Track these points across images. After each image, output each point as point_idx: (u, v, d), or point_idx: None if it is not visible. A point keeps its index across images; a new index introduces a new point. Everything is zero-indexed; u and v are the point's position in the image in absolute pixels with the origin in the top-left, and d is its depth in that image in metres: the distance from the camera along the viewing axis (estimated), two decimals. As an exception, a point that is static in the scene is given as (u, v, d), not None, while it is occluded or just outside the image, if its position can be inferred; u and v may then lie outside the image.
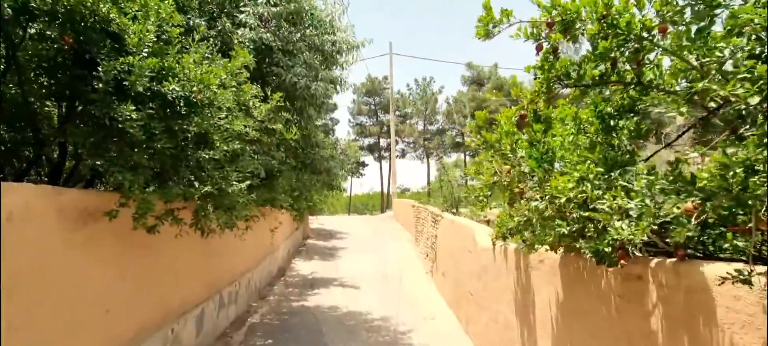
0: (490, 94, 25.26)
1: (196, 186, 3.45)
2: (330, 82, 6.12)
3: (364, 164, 39.22)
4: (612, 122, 2.41)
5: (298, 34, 5.60)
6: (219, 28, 4.63)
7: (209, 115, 3.15)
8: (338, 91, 6.52)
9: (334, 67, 6.40)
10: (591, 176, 1.79)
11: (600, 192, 1.74)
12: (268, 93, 4.27)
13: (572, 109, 2.68)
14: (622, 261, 1.78)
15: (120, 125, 2.67)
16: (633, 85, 2.33)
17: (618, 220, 1.66)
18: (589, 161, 1.84)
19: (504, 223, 3.99)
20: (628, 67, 2.35)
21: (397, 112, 33.03)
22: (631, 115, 2.40)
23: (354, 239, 15.26)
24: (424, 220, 11.93)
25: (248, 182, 3.65)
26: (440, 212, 8.53)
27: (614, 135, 2.39)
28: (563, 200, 1.87)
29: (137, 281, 3.66)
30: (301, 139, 6.01)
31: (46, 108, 3.60)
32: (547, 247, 2.91)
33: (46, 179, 3.66)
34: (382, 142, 38.19)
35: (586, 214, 1.74)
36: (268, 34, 5.13)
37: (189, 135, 3.10)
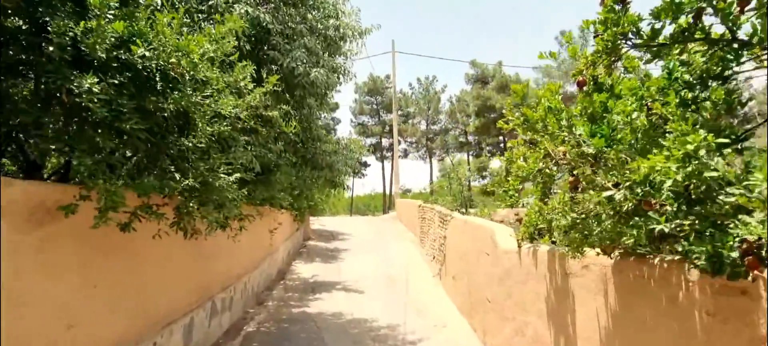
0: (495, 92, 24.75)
1: (177, 178, 2.95)
2: (332, 70, 5.61)
3: (366, 164, 38.71)
4: (689, 94, 1.90)
5: (299, 17, 5.10)
6: (210, 2, 4.14)
7: (190, 91, 2.65)
8: (341, 81, 6.00)
9: (337, 55, 5.87)
10: (701, 153, 1.29)
11: (731, 170, 1.24)
12: (264, 75, 3.76)
13: (632, 80, 2.17)
14: (754, 271, 1.27)
15: (77, 99, 2.18)
16: (722, 43, 1.82)
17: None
18: (702, 130, 1.34)
19: (532, 221, 3.48)
20: (714, 20, 1.84)
21: (399, 112, 32.52)
22: (717, 83, 1.89)
23: (356, 240, 14.76)
24: (429, 220, 11.42)
25: (238, 175, 3.14)
26: (449, 211, 8.02)
27: (693, 109, 1.88)
28: (667, 184, 1.36)
29: (111, 289, 3.16)
30: (300, 133, 5.51)
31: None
32: (598, 250, 2.41)
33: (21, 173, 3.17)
34: (385, 142, 37.70)
35: (732, 200, 1.23)
36: (266, 15, 4.64)
37: (166, 115, 2.60)
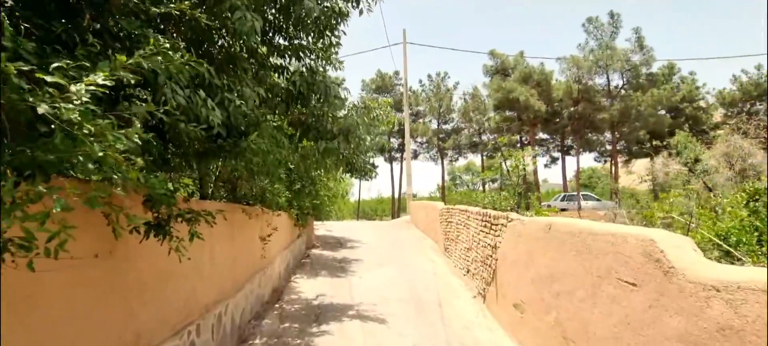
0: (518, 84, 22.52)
1: None
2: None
3: (374, 166, 36.65)
4: None
5: None
6: None
7: None
8: (363, 5, 3.80)
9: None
10: None
11: None
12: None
13: None
14: None
15: None
16: None
17: None
18: None
19: None
20: None
21: (409, 110, 30.47)
22: None
23: (368, 248, 12.66)
24: (460, 225, 9.33)
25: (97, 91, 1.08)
26: (502, 212, 5.91)
27: None
28: None
29: None
30: (299, 79, 3.42)
31: None
32: None
33: None
34: (393, 142, 35.60)
35: None
36: None
37: None
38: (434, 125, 34.89)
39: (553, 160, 31.62)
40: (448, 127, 35.20)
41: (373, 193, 52.26)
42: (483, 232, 6.98)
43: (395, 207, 35.52)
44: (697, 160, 14.65)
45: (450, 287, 8.03)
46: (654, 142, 27.84)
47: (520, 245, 4.97)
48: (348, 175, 16.21)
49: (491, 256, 6.35)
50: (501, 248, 5.84)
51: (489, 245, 6.49)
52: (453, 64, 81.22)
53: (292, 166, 4.70)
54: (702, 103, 30.88)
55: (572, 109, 22.69)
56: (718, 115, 32.53)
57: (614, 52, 22.05)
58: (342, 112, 4.08)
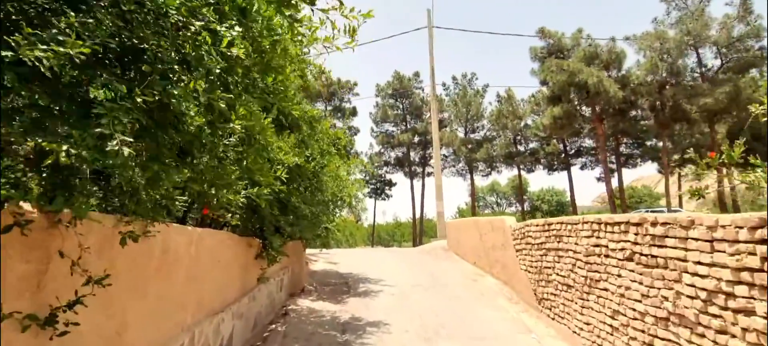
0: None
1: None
2: None
3: (391, 183, 31.57)
4: None
5: None
6: None
7: None
8: None
9: None
10: None
11: None
12: None
13: None
14: None
15: None
16: None
17: None
18: None
19: None
20: None
21: (436, 107, 25.58)
22: None
23: (395, 296, 7.38)
24: (605, 257, 4.25)
25: None
26: None
27: None
28: None
29: None
30: None
31: None
32: None
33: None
34: (413, 154, 30.54)
35: None
36: None
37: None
38: (461, 133, 29.78)
39: (611, 171, 25.97)
40: (477, 136, 30.05)
41: (388, 217, 46.94)
42: None
43: (417, 230, 30.09)
44: None
45: None
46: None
47: None
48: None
49: None
50: None
51: None
52: (481, 64, 75.82)
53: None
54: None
55: (656, 96, 17.28)
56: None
57: (708, 23, 16.91)
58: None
